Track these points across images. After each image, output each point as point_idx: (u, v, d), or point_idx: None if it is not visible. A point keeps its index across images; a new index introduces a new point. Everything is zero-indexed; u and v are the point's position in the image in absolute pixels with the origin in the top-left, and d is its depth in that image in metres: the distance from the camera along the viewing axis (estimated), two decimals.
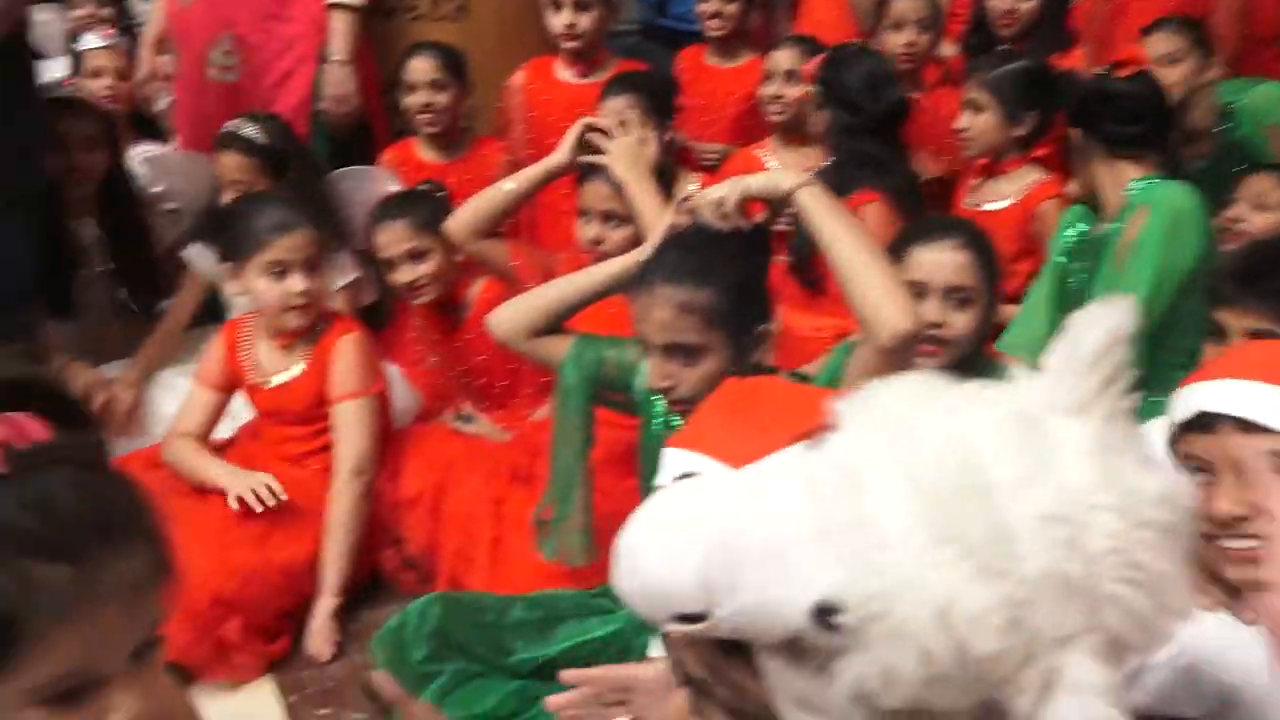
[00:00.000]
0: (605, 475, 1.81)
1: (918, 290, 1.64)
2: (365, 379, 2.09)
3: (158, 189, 2.70)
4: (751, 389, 0.99)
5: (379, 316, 2.47)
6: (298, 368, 2.11)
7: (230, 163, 2.41)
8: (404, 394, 2.31)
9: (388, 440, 2.14)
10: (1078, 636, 0.53)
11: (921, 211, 2.32)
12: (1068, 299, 2.04)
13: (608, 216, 2.06)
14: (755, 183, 1.50)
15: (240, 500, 1.94)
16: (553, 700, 1.18)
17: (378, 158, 2.71)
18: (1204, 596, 1.05)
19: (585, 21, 2.66)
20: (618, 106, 2.36)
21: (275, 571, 1.94)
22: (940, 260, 1.67)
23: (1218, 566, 1.05)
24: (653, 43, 3.50)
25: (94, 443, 0.72)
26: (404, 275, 2.25)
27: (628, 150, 1.95)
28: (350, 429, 2.05)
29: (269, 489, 1.94)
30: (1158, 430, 1.10)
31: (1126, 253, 1.98)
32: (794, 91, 2.60)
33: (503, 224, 2.14)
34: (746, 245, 1.52)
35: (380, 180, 2.52)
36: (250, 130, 2.42)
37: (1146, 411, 0.74)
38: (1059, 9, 2.95)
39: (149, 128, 2.99)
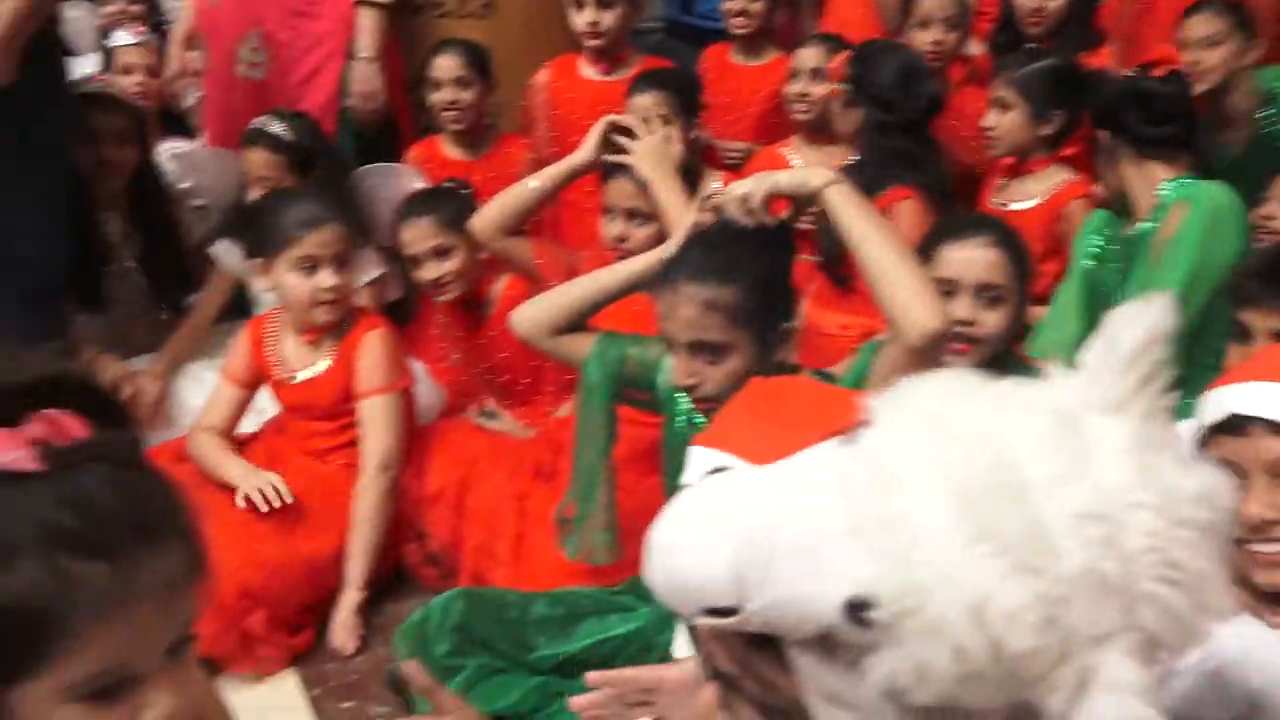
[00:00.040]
0: (628, 473, 1.81)
1: (949, 288, 1.64)
2: (392, 374, 2.10)
3: (186, 185, 2.72)
4: (777, 388, 0.98)
5: (403, 313, 2.48)
6: (323, 363, 2.13)
7: (257, 159, 2.43)
8: (428, 390, 2.32)
9: (412, 436, 2.15)
10: (1114, 635, 0.53)
11: (953, 209, 2.31)
12: (1098, 303, 2.02)
13: (632, 214, 2.06)
14: (783, 179, 1.50)
15: (247, 499, 1.95)
16: (576, 700, 1.18)
17: (403, 154, 2.72)
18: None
19: (608, 19, 2.66)
20: (644, 103, 2.37)
21: (300, 565, 1.96)
22: (971, 258, 1.67)
23: (1246, 570, 1.04)
24: (677, 40, 3.50)
25: (131, 440, 0.72)
26: (429, 272, 2.26)
27: (653, 149, 1.96)
28: (376, 424, 2.06)
29: (275, 489, 1.95)
30: (1186, 432, 1.09)
31: (1163, 249, 1.97)
32: (819, 89, 2.59)
33: (527, 222, 2.15)
34: (770, 242, 1.51)
35: (405, 177, 2.53)
36: (277, 127, 2.43)
37: (1183, 414, 0.74)
38: (1087, 7, 2.93)
39: (178, 124, 3.02)
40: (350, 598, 1.97)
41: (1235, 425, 1.05)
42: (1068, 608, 0.53)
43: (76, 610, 0.64)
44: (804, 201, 1.51)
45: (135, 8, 3.24)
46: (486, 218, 2.08)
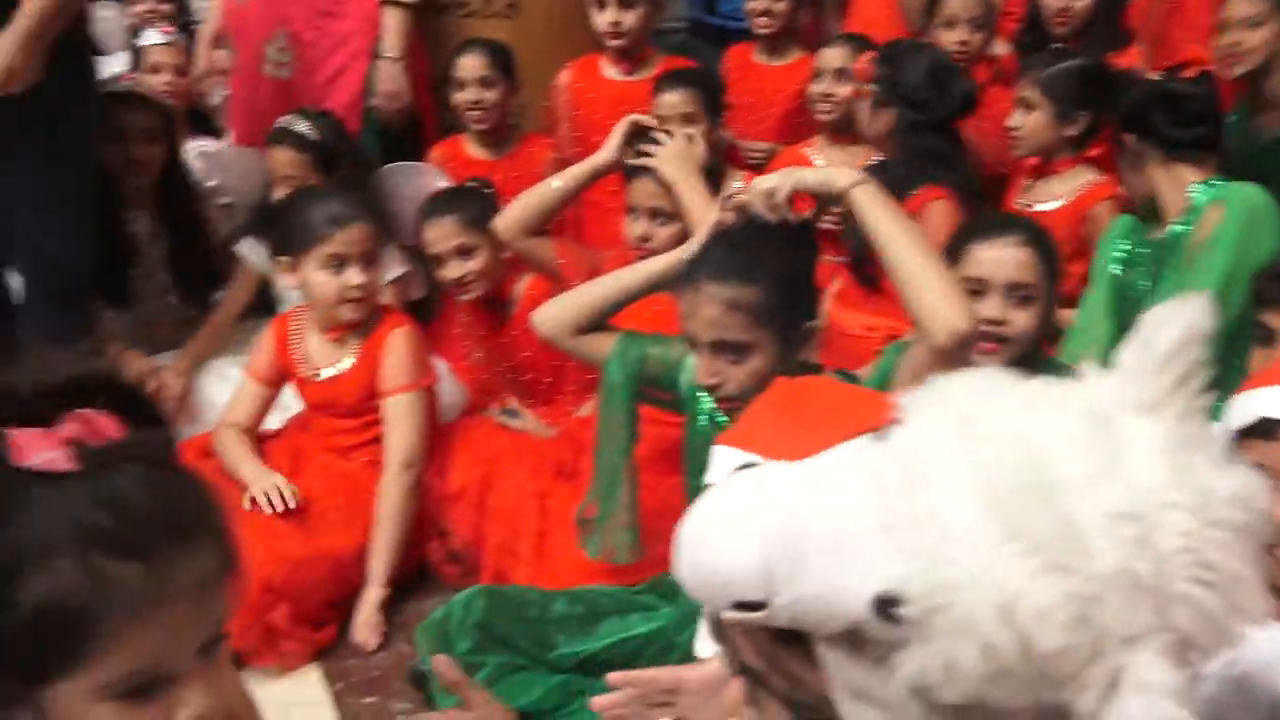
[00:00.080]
0: (650, 472, 1.81)
1: (979, 287, 1.63)
2: (416, 372, 2.11)
3: (212, 183, 2.75)
4: (802, 388, 0.98)
5: (426, 311, 2.49)
6: (348, 361, 2.14)
7: (282, 158, 2.45)
8: (450, 388, 2.33)
9: (434, 434, 2.15)
10: (1146, 635, 0.53)
11: (981, 209, 2.29)
12: (1127, 308, 2.00)
13: (655, 213, 2.06)
14: (810, 177, 1.50)
15: (253, 501, 1.98)
16: (597, 700, 1.18)
17: (427, 154, 2.73)
18: None
19: (630, 19, 2.67)
20: (672, 101, 2.37)
21: (323, 561, 1.97)
22: (1001, 257, 1.66)
23: (1275, 576, 1.03)
24: (701, 40, 3.49)
25: (164, 439, 0.72)
26: (452, 271, 2.27)
27: (677, 151, 1.96)
28: (401, 422, 2.07)
29: (280, 492, 1.98)
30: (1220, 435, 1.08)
31: (1199, 251, 1.95)
32: (844, 90, 2.58)
33: (550, 222, 2.15)
34: (793, 241, 1.51)
35: (429, 176, 2.55)
36: (302, 126, 2.45)
37: (1218, 416, 0.73)
38: (1114, 6, 2.90)
39: (205, 123, 3.04)
40: (373, 594, 1.98)
41: (1265, 429, 1.04)
42: (1100, 607, 0.52)
43: (111, 610, 0.65)
44: (828, 201, 1.51)
45: (164, 7, 3.27)
46: (509, 217, 2.09)
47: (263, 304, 2.55)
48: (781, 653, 0.63)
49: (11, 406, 0.66)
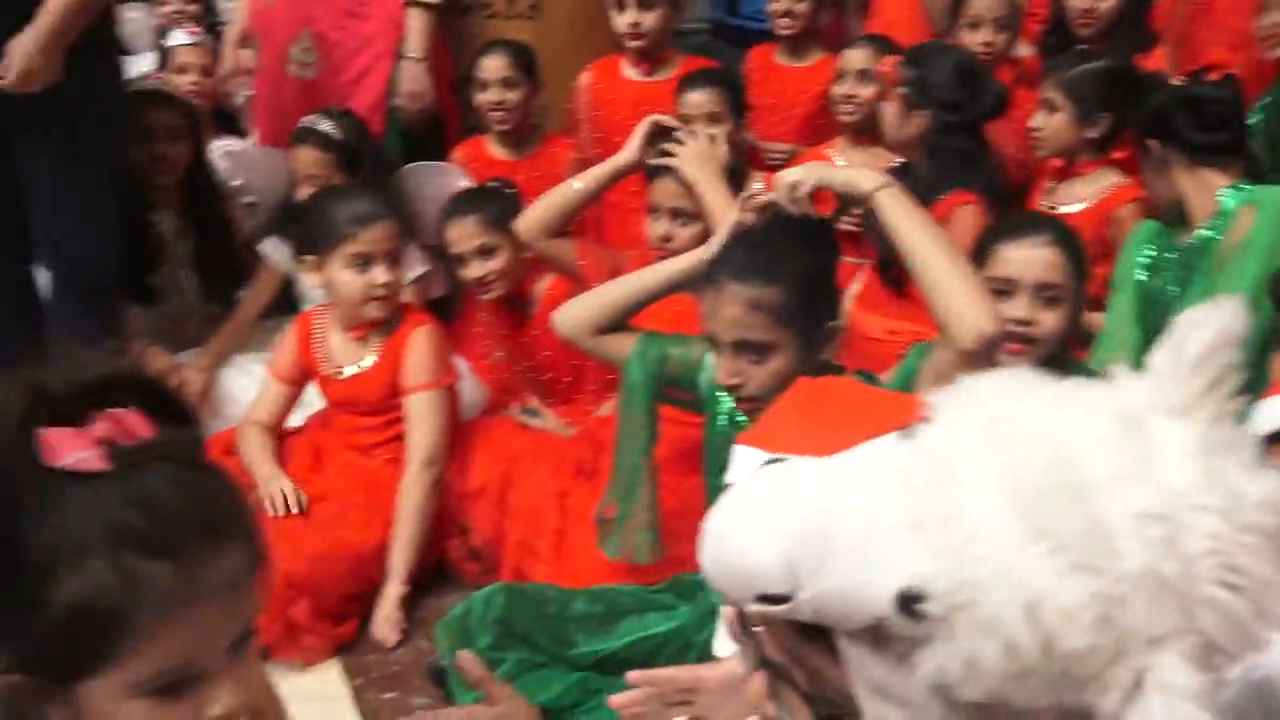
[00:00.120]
0: (669, 472, 1.81)
1: (1007, 287, 1.63)
2: (438, 371, 2.13)
3: (236, 183, 2.77)
4: (825, 388, 0.98)
5: (447, 311, 2.50)
6: (370, 359, 2.15)
7: (306, 157, 2.47)
8: (471, 387, 2.34)
9: (455, 432, 2.17)
10: (1171, 637, 0.52)
11: (1007, 212, 2.28)
12: (1154, 314, 1.99)
13: (677, 214, 2.06)
14: (835, 176, 1.50)
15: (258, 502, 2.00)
16: (615, 698, 1.18)
17: (450, 154, 2.75)
18: None
19: (650, 20, 2.67)
20: (697, 100, 2.37)
21: (344, 557, 1.99)
22: (1030, 258, 1.65)
23: None
24: (722, 41, 3.50)
25: (194, 439, 0.73)
26: (473, 270, 2.28)
27: (698, 151, 1.96)
28: (423, 420, 2.08)
29: (285, 497, 2.01)
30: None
31: (1231, 254, 1.93)
32: (866, 91, 2.58)
33: (571, 222, 2.16)
34: (813, 241, 1.51)
35: (451, 176, 2.56)
36: (326, 126, 2.47)
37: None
38: (1139, 8, 2.88)
39: (230, 123, 3.07)
40: (393, 591, 1.99)
41: None
42: (1125, 608, 0.52)
43: (143, 609, 0.65)
44: (850, 202, 1.51)
45: (191, 8, 3.30)
46: (531, 218, 2.10)
47: (285, 302, 2.57)
48: (804, 647, 0.63)
49: (43, 406, 0.67)
